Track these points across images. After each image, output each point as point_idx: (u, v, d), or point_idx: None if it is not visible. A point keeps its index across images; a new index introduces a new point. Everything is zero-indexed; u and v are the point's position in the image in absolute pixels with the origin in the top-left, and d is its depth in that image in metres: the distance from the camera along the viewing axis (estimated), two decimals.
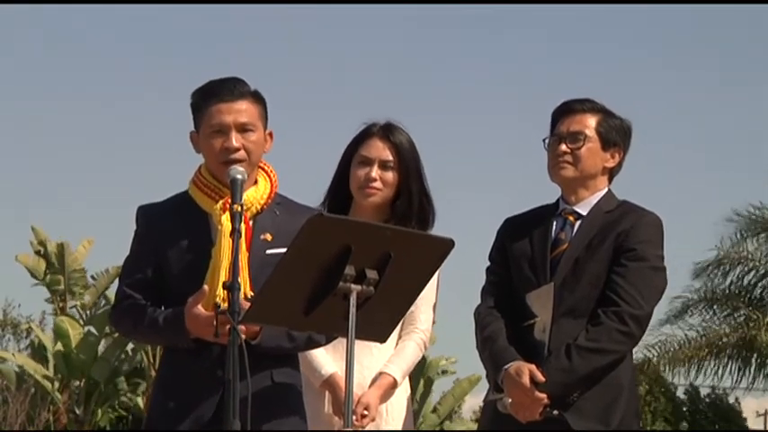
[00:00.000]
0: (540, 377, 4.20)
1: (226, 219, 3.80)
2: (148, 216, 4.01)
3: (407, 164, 4.64)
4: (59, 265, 26.22)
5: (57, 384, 25.08)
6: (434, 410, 28.24)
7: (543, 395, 4.20)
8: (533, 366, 4.23)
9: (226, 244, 3.76)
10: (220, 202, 3.89)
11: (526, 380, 4.20)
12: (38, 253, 26.33)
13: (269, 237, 3.91)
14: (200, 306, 3.71)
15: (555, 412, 4.22)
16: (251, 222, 3.91)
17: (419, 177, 4.66)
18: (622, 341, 4.27)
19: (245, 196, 3.83)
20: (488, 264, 4.56)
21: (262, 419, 3.78)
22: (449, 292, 4.86)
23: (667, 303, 19.56)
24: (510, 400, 4.26)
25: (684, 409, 27.69)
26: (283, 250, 3.58)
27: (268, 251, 3.87)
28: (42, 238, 26.31)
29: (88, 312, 26.65)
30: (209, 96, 3.93)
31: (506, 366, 4.27)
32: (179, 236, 3.93)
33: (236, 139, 3.88)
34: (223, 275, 3.74)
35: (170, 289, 3.91)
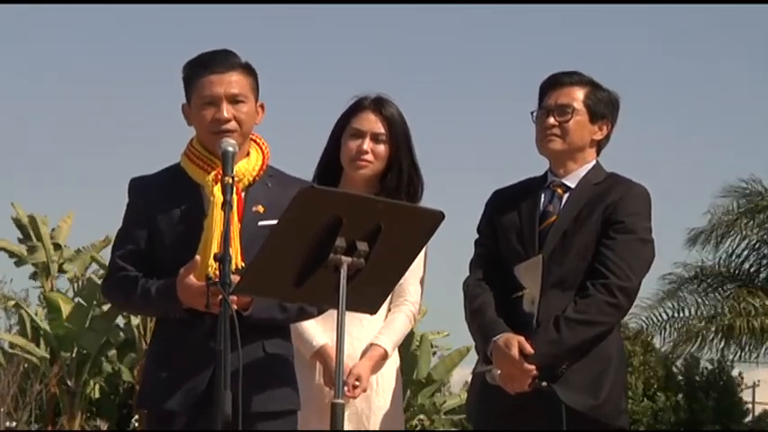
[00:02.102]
0: (529, 349, 4.22)
1: (217, 190, 3.81)
2: (140, 188, 4.02)
3: (398, 137, 4.65)
4: (36, 238, 26.25)
5: (47, 358, 25.10)
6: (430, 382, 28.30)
7: (532, 367, 4.21)
8: (522, 338, 4.24)
9: (217, 215, 3.77)
10: (212, 173, 3.90)
11: (515, 351, 4.22)
12: (18, 225, 26.37)
13: (261, 209, 3.92)
14: (192, 276, 3.73)
15: (543, 384, 4.23)
16: (243, 194, 3.91)
17: (409, 151, 4.68)
18: (611, 313, 4.28)
19: (236, 168, 3.84)
20: (477, 236, 4.59)
21: (254, 391, 3.80)
22: (439, 265, 4.89)
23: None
24: (499, 372, 4.27)
25: (680, 379, 27.68)
26: (275, 222, 3.60)
27: (260, 223, 3.88)
28: (20, 214, 26.35)
29: (77, 285, 26.69)
30: (201, 68, 3.94)
31: (495, 338, 4.28)
32: (171, 207, 3.94)
33: (227, 110, 3.89)
34: (215, 247, 3.75)
35: (162, 260, 3.93)
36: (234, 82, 3.92)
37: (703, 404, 26.20)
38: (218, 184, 3.80)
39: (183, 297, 3.76)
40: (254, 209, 3.92)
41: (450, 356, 28.07)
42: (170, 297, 3.79)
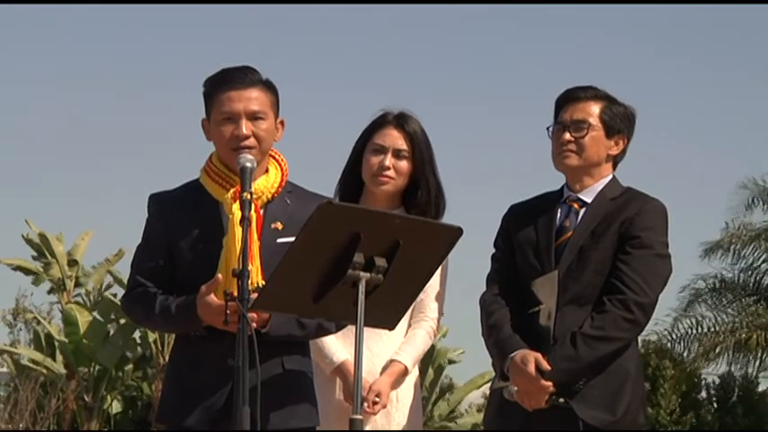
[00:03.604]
0: (546, 365, 4.21)
1: (236, 208, 3.80)
2: (160, 204, 4.02)
3: (421, 154, 4.65)
4: (50, 254, 26.38)
5: (64, 373, 25.14)
6: (445, 399, 28.28)
7: (549, 383, 4.21)
8: (539, 355, 4.24)
9: (237, 233, 3.77)
10: (231, 190, 3.90)
11: (531, 368, 4.21)
12: (29, 243, 26.50)
13: (279, 225, 3.93)
14: (212, 295, 3.73)
15: (561, 400, 4.23)
16: (262, 211, 3.92)
17: (432, 167, 4.67)
18: (627, 329, 4.27)
19: (255, 185, 3.85)
20: (494, 251, 4.59)
21: (273, 407, 3.81)
22: (457, 282, 4.90)
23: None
24: (516, 388, 4.28)
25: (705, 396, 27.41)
26: (291, 240, 3.60)
27: (278, 240, 3.88)
28: (32, 230, 26.50)
29: (92, 299, 26.76)
30: (221, 84, 3.94)
31: (512, 355, 4.28)
32: (191, 225, 3.94)
33: (246, 127, 3.89)
34: (235, 264, 3.72)
35: (182, 277, 3.93)
36: (253, 99, 3.92)
37: (734, 420, 26.05)
38: (237, 202, 3.79)
39: (203, 315, 3.77)
40: (272, 226, 3.93)
41: (472, 381, 28.04)
42: (190, 314, 3.79)
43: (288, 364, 3.94)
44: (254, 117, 3.92)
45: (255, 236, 3.82)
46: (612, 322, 4.25)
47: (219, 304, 3.69)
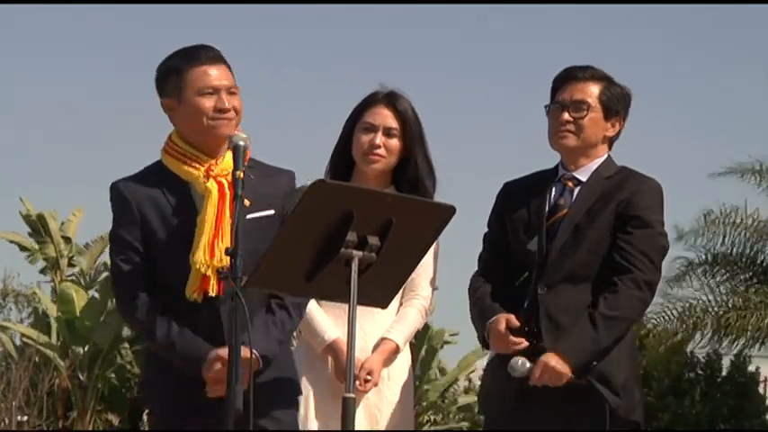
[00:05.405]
0: (516, 323, 4.25)
1: (212, 185, 3.82)
2: (128, 190, 3.94)
3: (411, 132, 4.64)
4: (45, 233, 26.44)
5: (59, 351, 25.17)
6: (438, 378, 28.36)
7: (520, 339, 4.25)
8: (511, 315, 4.27)
9: (211, 211, 3.80)
10: (202, 168, 3.88)
11: (501, 326, 4.25)
12: (27, 219, 26.55)
13: (247, 202, 3.83)
14: (219, 364, 3.75)
15: (580, 380, 4.20)
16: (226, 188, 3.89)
17: (423, 146, 4.66)
18: (638, 308, 4.33)
19: (223, 163, 3.87)
20: (486, 230, 4.58)
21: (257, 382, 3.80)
22: (452, 263, 4.88)
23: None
24: (520, 362, 4.23)
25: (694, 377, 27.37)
26: (263, 214, 3.66)
27: (248, 216, 3.81)
28: (30, 210, 26.55)
29: (87, 278, 26.78)
30: (192, 60, 3.92)
31: (490, 321, 4.31)
32: (161, 207, 3.91)
33: (228, 101, 3.90)
34: (207, 240, 3.78)
35: (158, 257, 3.91)
36: (226, 74, 3.94)
37: (719, 401, 25.99)
38: (211, 180, 3.83)
39: (205, 374, 3.79)
40: None
41: (465, 358, 28.08)
42: (192, 365, 3.82)
43: None
44: (230, 91, 3.93)
45: (228, 214, 3.82)
46: (627, 301, 4.26)
47: (223, 372, 3.67)
